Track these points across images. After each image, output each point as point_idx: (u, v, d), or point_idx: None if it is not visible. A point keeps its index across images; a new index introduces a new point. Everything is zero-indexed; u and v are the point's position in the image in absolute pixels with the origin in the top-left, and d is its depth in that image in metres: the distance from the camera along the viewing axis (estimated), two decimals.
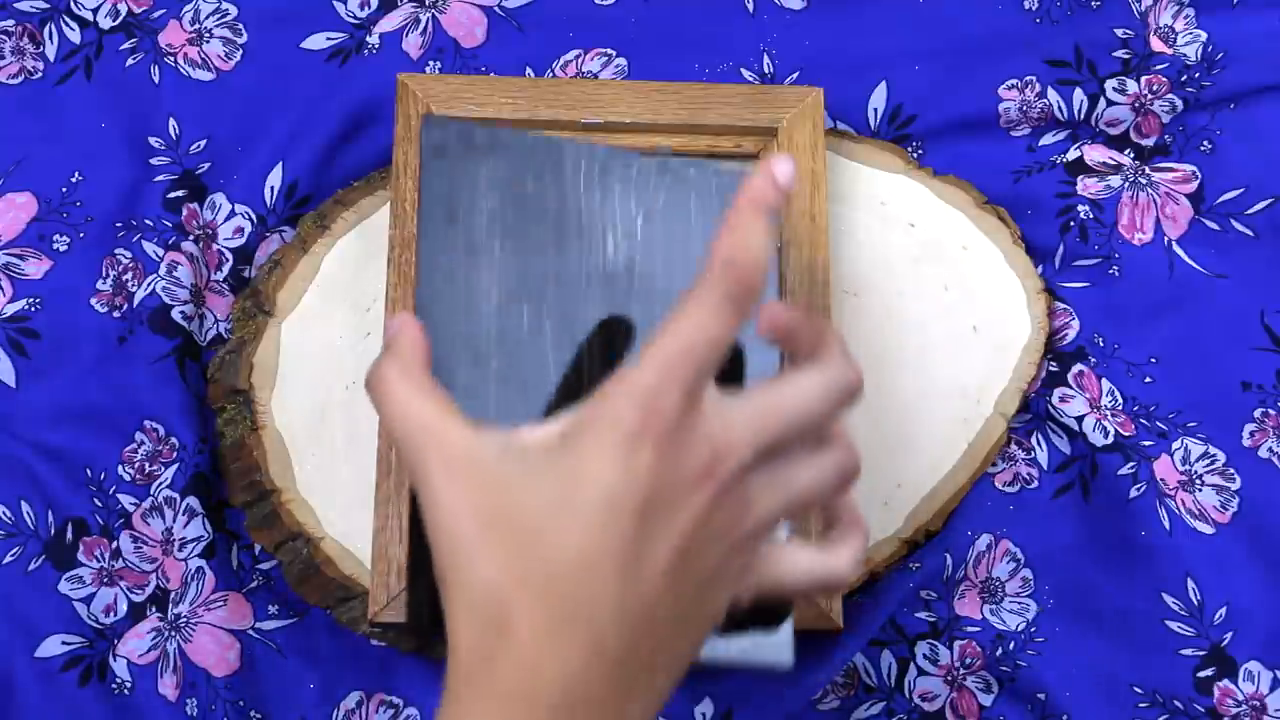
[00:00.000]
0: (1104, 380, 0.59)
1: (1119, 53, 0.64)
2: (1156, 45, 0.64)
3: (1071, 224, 0.61)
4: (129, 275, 0.59)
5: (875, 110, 0.63)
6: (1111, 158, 0.62)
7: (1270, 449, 0.58)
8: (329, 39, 0.63)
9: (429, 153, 0.51)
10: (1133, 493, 0.57)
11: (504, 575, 0.38)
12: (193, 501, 0.56)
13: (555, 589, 0.38)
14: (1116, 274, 0.61)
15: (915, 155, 0.62)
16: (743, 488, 0.40)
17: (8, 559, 0.56)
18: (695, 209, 0.53)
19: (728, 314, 0.39)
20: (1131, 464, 0.58)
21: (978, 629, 0.56)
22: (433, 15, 0.64)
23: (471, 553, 0.38)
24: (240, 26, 0.63)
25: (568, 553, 0.38)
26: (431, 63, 0.63)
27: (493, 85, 0.58)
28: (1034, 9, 0.65)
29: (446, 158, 0.51)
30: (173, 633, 0.55)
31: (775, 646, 0.48)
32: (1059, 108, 0.63)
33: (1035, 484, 0.58)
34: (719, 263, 0.40)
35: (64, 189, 0.61)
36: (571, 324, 0.50)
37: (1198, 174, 0.62)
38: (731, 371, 0.44)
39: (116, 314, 0.59)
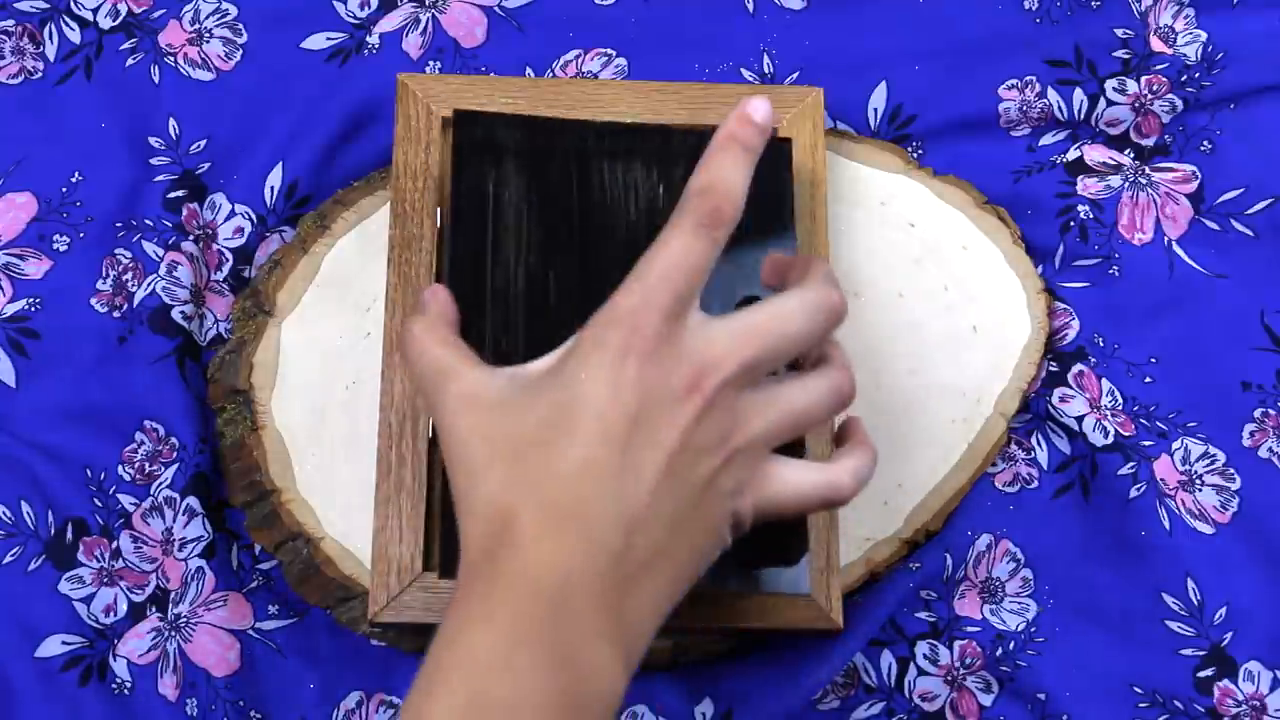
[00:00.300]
0: (1104, 380, 0.59)
1: (1119, 53, 0.64)
2: (1156, 45, 0.64)
3: (1071, 224, 0.61)
4: (129, 275, 0.59)
5: (875, 110, 0.63)
6: (1111, 158, 0.62)
7: (1270, 449, 0.58)
8: (329, 39, 0.63)
9: (463, 148, 0.54)
10: (1133, 493, 0.57)
11: (507, 485, 0.41)
12: (193, 501, 0.56)
13: (552, 494, 0.41)
14: (1116, 274, 0.61)
15: (915, 155, 0.62)
16: (730, 403, 0.42)
17: (8, 559, 0.56)
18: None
19: (701, 239, 0.43)
20: (1131, 464, 0.58)
21: (978, 629, 0.56)
22: (433, 15, 0.64)
23: (480, 471, 0.42)
24: (240, 26, 0.63)
25: (564, 462, 0.41)
26: (431, 63, 0.63)
27: (493, 85, 0.58)
28: (1034, 9, 0.65)
29: (478, 151, 0.54)
30: (173, 633, 0.55)
31: (792, 577, 0.50)
32: (1059, 108, 0.63)
33: (1035, 484, 0.58)
34: (693, 193, 0.44)
35: (64, 189, 0.61)
36: (594, 291, 0.52)
37: (1198, 174, 0.62)
38: None
39: (116, 314, 0.59)
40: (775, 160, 0.56)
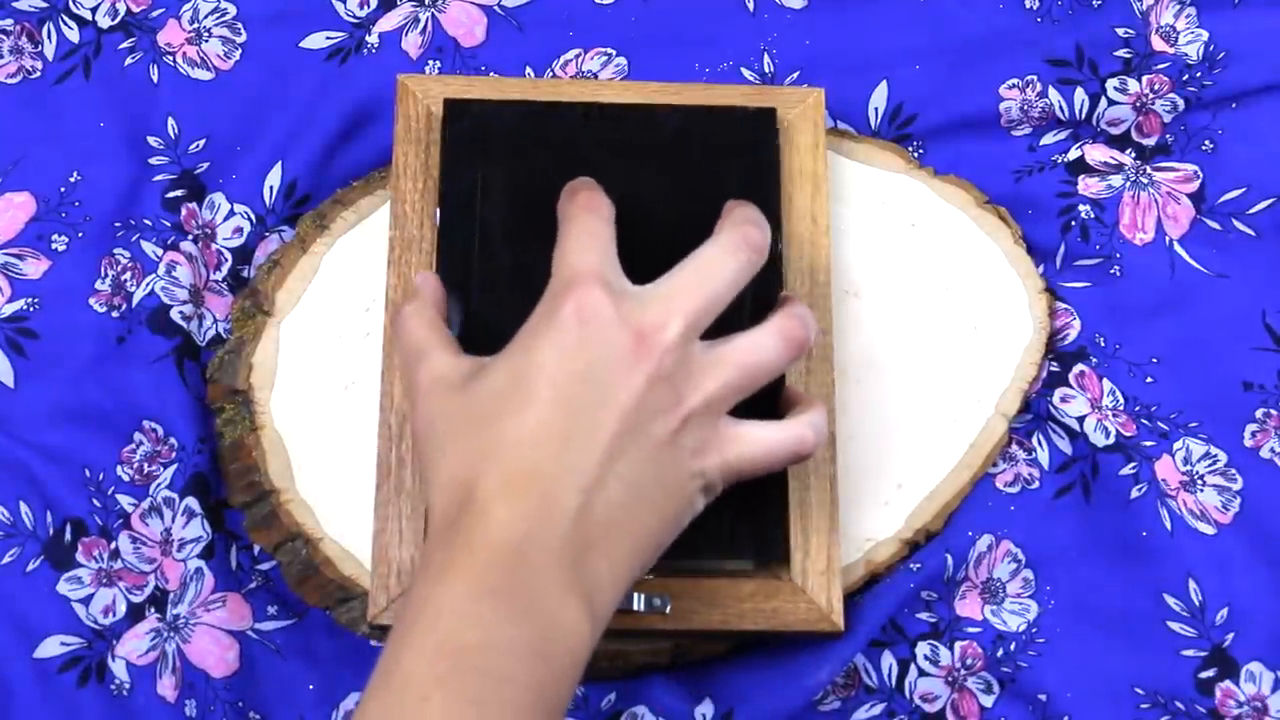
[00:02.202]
0: (1105, 380, 0.59)
1: (1120, 52, 0.64)
2: (1158, 44, 0.64)
3: (1072, 224, 0.61)
4: (128, 275, 0.59)
5: (876, 110, 0.63)
6: (1113, 157, 0.62)
7: (1272, 449, 0.58)
8: (328, 38, 0.63)
9: (453, 138, 0.55)
10: (1134, 493, 0.57)
11: (467, 456, 0.43)
12: (191, 502, 0.56)
13: (509, 459, 0.42)
14: (1118, 274, 0.60)
15: (916, 155, 0.62)
16: (680, 361, 0.44)
17: (6, 559, 0.55)
18: (699, 151, 0.55)
19: (604, 222, 0.47)
20: (1133, 464, 0.58)
21: (979, 630, 0.56)
22: (432, 15, 0.64)
23: (443, 446, 0.44)
24: (239, 26, 0.63)
25: (519, 428, 0.43)
26: (431, 62, 0.63)
27: (493, 86, 0.58)
28: (1035, 8, 0.65)
29: (467, 139, 0.55)
30: (171, 633, 0.55)
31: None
32: (1060, 107, 0.63)
33: (1036, 484, 0.58)
34: (564, 194, 0.48)
35: (62, 189, 0.60)
36: None
37: (1199, 173, 0.62)
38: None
39: (115, 314, 0.59)
40: (760, 136, 0.56)
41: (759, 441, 0.46)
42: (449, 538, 0.42)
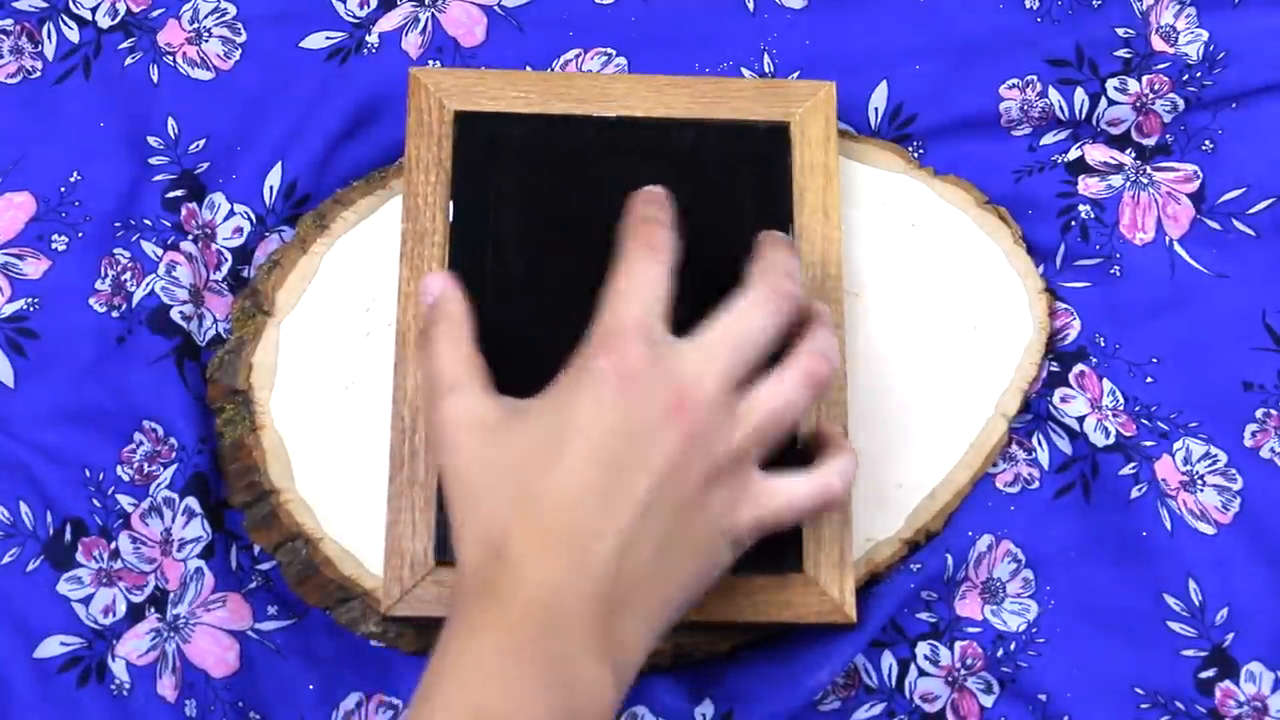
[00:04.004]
0: (1105, 380, 0.59)
1: (1120, 52, 0.64)
2: (1158, 44, 0.64)
3: (1072, 224, 0.61)
4: (128, 275, 0.59)
5: (876, 110, 0.63)
6: (1113, 157, 0.62)
7: (1272, 449, 0.58)
8: (328, 38, 0.63)
9: (464, 151, 0.56)
10: (1134, 493, 0.57)
11: (501, 510, 0.43)
12: (192, 502, 0.56)
13: (544, 516, 0.42)
14: (1118, 274, 0.60)
15: (916, 155, 0.62)
16: (714, 418, 0.44)
17: (6, 559, 0.55)
18: (708, 168, 0.56)
19: (657, 265, 0.46)
20: (1133, 464, 0.58)
21: (979, 630, 0.56)
22: (432, 14, 0.64)
23: (478, 494, 0.44)
24: (239, 26, 0.63)
25: (554, 485, 0.42)
26: (431, 62, 0.63)
27: (504, 79, 0.58)
28: (1035, 8, 0.65)
29: (480, 151, 0.56)
30: (171, 633, 0.55)
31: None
32: (1060, 107, 0.63)
33: (1036, 484, 0.58)
34: (632, 217, 0.48)
35: (62, 189, 0.60)
36: (593, 287, 0.54)
37: (1199, 173, 0.62)
38: None
39: (115, 314, 0.59)
40: (773, 151, 0.57)
41: (787, 495, 0.46)
42: (481, 591, 0.42)
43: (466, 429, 0.45)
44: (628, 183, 0.55)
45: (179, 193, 0.60)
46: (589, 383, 0.43)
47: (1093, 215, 0.61)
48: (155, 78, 0.62)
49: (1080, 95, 0.63)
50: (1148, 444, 0.58)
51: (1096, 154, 0.62)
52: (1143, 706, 0.55)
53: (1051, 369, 0.59)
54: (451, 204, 0.56)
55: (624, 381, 0.43)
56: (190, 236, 0.60)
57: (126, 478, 0.57)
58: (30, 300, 0.59)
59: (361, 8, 0.64)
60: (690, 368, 0.44)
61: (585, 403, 0.43)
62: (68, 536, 0.56)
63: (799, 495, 0.46)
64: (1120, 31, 0.64)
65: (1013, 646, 0.56)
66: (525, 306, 0.54)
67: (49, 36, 0.63)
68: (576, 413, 0.43)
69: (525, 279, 0.55)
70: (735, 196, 0.56)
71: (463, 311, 0.49)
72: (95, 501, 0.56)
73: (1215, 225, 0.61)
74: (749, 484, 0.45)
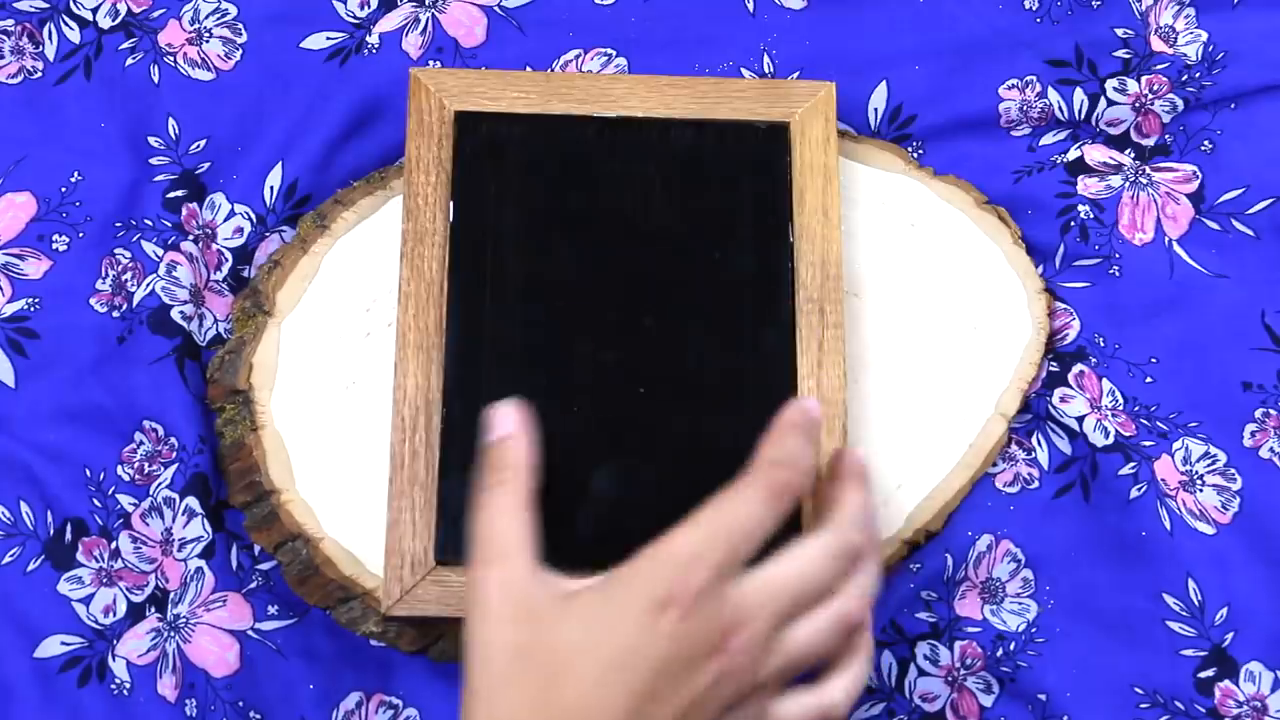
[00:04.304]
0: (1104, 380, 0.59)
1: (1119, 52, 0.64)
2: (1157, 45, 0.64)
3: (1072, 224, 0.61)
4: (128, 275, 0.59)
5: (875, 110, 0.63)
6: (1112, 157, 0.62)
7: (1271, 449, 0.58)
8: (329, 39, 0.63)
9: (465, 150, 0.56)
10: (1133, 493, 0.57)
11: (523, 705, 0.42)
12: (192, 502, 0.56)
13: None
14: (1117, 274, 0.61)
15: (915, 155, 0.62)
16: (752, 656, 0.43)
17: (7, 559, 0.56)
18: (708, 168, 0.56)
19: (768, 508, 0.44)
20: (1132, 464, 0.58)
21: (978, 629, 0.56)
22: (433, 15, 0.64)
23: (501, 680, 0.43)
24: (240, 26, 0.63)
25: (578, 699, 0.42)
26: (431, 62, 0.63)
27: (505, 79, 0.58)
28: (1034, 9, 0.65)
29: (481, 154, 0.56)
30: (172, 633, 0.55)
31: None
32: (1059, 107, 0.63)
33: (1036, 484, 0.58)
34: (765, 462, 0.45)
35: (63, 189, 0.61)
36: (594, 286, 0.55)
37: (1198, 174, 0.62)
38: None
39: (116, 314, 0.59)
40: (773, 151, 0.57)
41: (792, 715, 0.46)
42: None
43: (509, 607, 0.44)
44: (628, 182, 0.56)
45: (180, 193, 0.60)
46: (645, 603, 0.42)
47: (1092, 215, 0.61)
48: (156, 78, 0.62)
49: (1079, 96, 0.63)
50: (1147, 444, 0.58)
51: (1096, 154, 0.62)
52: (1142, 706, 0.55)
53: (1051, 369, 0.59)
54: (452, 204, 0.56)
55: (681, 617, 0.42)
56: (191, 236, 0.60)
57: (127, 477, 0.57)
58: (31, 300, 0.59)
59: (362, 8, 0.64)
60: (747, 608, 0.43)
61: (634, 625, 0.42)
62: (68, 536, 0.56)
63: (802, 714, 0.46)
64: (1119, 32, 0.64)
65: (1012, 646, 0.56)
66: (526, 306, 0.54)
67: (50, 37, 0.63)
68: (622, 633, 0.42)
69: (526, 278, 0.55)
70: (735, 196, 0.56)
71: (527, 464, 0.48)
72: (96, 501, 0.56)
73: (1214, 225, 0.62)
74: (762, 712, 0.45)
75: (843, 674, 0.48)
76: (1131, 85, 0.63)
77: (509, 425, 0.49)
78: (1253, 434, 0.59)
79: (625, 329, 0.54)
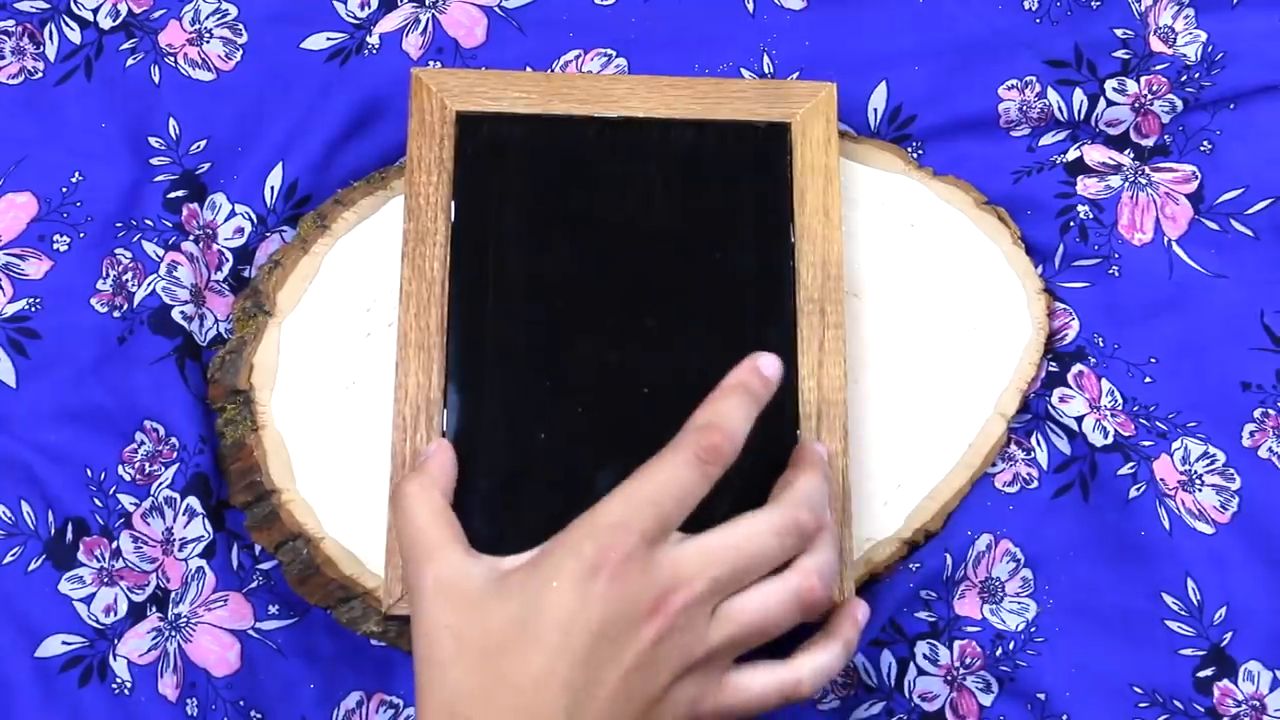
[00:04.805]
0: (1104, 380, 0.59)
1: (1119, 53, 0.64)
2: (1156, 45, 0.64)
3: (1071, 224, 0.61)
4: (129, 275, 0.59)
5: (875, 110, 0.63)
6: (1111, 158, 0.62)
7: (1270, 449, 0.58)
8: (329, 39, 0.63)
9: (466, 151, 0.56)
10: (1132, 493, 0.57)
11: (464, 689, 0.43)
12: (193, 502, 0.56)
13: (509, 703, 0.42)
14: (1116, 274, 0.61)
15: (915, 155, 0.62)
16: (692, 620, 0.44)
17: (8, 559, 0.56)
18: (709, 168, 0.57)
19: (695, 471, 0.45)
20: (1131, 464, 0.58)
21: (977, 629, 0.56)
22: (433, 15, 0.64)
23: (445, 664, 0.44)
24: (240, 26, 0.63)
25: (522, 671, 0.42)
26: (432, 63, 0.63)
27: (506, 79, 0.58)
28: (1034, 9, 0.65)
29: (482, 154, 0.56)
30: (173, 633, 0.55)
31: None
32: (1059, 108, 0.63)
33: (1035, 484, 0.58)
34: (695, 426, 0.46)
35: (64, 189, 0.61)
36: (593, 284, 0.55)
37: (1198, 174, 0.62)
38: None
39: (116, 314, 0.59)
40: (774, 151, 0.57)
41: (754, 692, 0.46)
42: None
43: (441, 592, 0.45)
44: (629, 182, 0.56)
45: (180, 193, 0.60)
46: (575, 571, 0.43)
47: (1091, 216, 0.61)
48: (156, 78, 0.62)
49: (1079, 96, 0.63)
50: (1146, 444, 0.58)
51: (1095, 154, 0.62)
52: (1141, 705, 0.55)
53: (1050, 369, 0.59)
54: (453, 204, 0.56)
55: (611, 581, 0.43)
56: (191, 237, 0.60)
57: (128, 477, 0.57)
58: (32, 300, 0.59)
59: (362, 9, 0.64)
60: (683, 570, 0.44)
61: (566, 593, 0.43)
62: (69, 536, 0.56)
63: (768, 692, 0.46)
64: (1119, 32, 0.64)
65: (1011, 646, 0.56)
66: (526, 306, 0.54)
67: (50, 37, 0.63)
68: (555, 603, 0.43)
69: (527, 278, 0.55)
70: (736, 197, 0.56)
71: (441, 466, 0.50)
72: (97, 501, 0.56)
73: (1214, 226, 0.62)
74: (718, 680, 0.45)
75: (813, 654, 0.48)
76: (1131, 86, 0.63)
77: (430, 449, 0.51)
78: (1251, 434, 0.59)
79: (626, 329, 0.54)
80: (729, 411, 0.46)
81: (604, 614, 0.43)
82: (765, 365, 0.48)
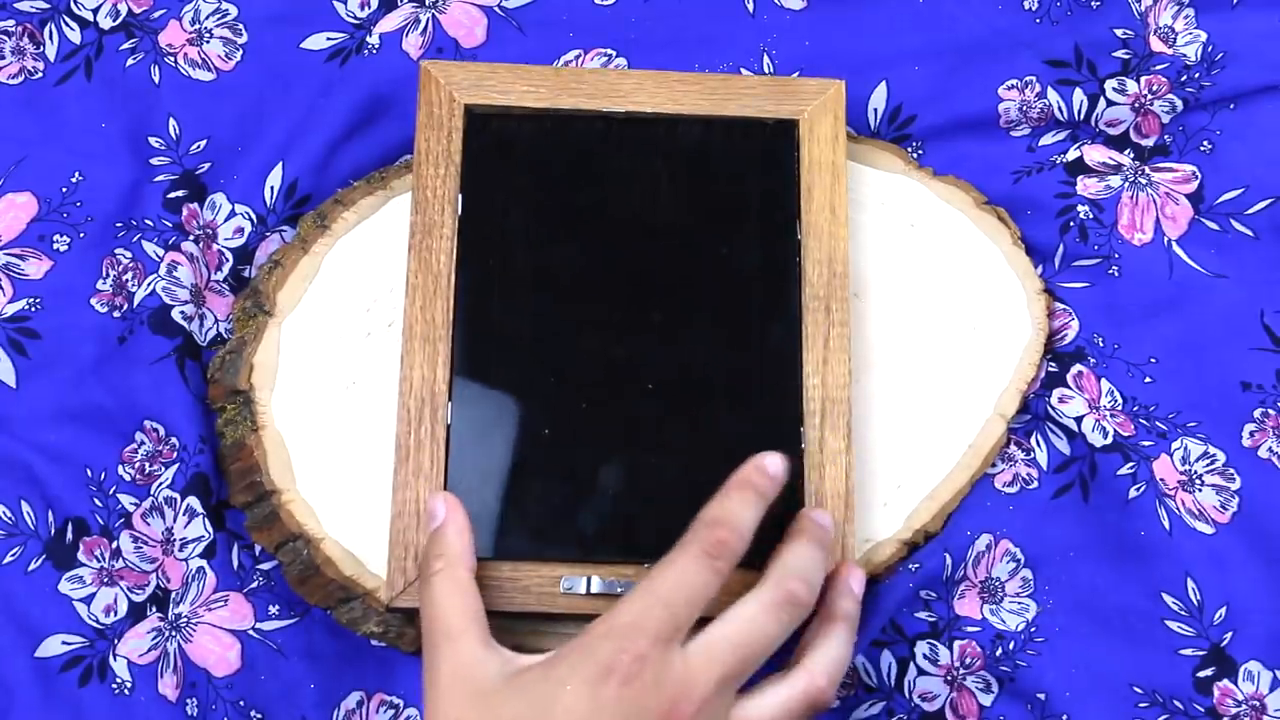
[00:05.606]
0: (1103, 380, 0.59)
1: (1119, 53, 0.64)
2: (1156, 45, 0.64)
3: (1071, 224, 0.61)
4: (129, 275, 0.59)
5: (875, 110, 0.63)
6: (1111, 158, 0.62)
7: (1270, 449, 0.58)
8: (329, 39, 0.63)
9: (474, 144, 0.56)
10: (1132, 493, 0.57)
11: None
12: (193, 502, 0.56)
13: None
14: (1116, 274, 0.61)
15: (915, 155, 0.62)
16: (700, 714, 0.44)
17: (8, 559, 0.56)
18: (716, 164, 0.57)
19: (704, 568, 0.45)
20: (1131, 464, 0.58)
21: (977, 629, 0.56)
22: (433, 15, 0.64)
23: None
24: (240, 26, 0.63)
25: None
26: None
27: (515, 74, 0.58)
28: (1034, 9, 0.65)
29: (490, 147, 0.56)
30: (173, 633, 0.55)
31: None
32: (1059, 108, 0.63)
33: (1035, 484, 0.58)
34: (703, 523, 0.46)
35: (64, 189, 0.61)
36: (600, 279, 0.55)
37: (1197, 174, 0.62)
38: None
39: (116, 314, 0.59)
40: (781, 148, 0.57)
41: (764, 714, 0.46)
42: None
43: (456, 684, 0.45)
44: (636, 177, 0.56)
45: (180, 193, 0.60)
46: (590, 674, 0.43)
47: (1091, 216, 0.61)
48: (156, 78, 0.62)
49: (1079, 96, 0.63)
50: (1146, 444, 0.58)
51: (1095, 154, 0.62)
52: (1141, 705, 0.55)
53: (1050, 369, 0.59)
54: (460, 197, 0.56)
55: (623, 684, 0.43)
56: (191, 237, 0.60)
57: (128, 477, 0.57)
58: (32, 300, 0.59)
59: (362, 9, 0.64)
60: (691, 674, 0.44)
61: (579, 691, 0.43)
62: (69, 536, 0.56)
63: (791, 707, 0.47)
64: (1119, 32, 0.64)
65: (1011, 646, 0.56)
66: (533, 300, 0.54)
67: (50, 37, 0.63)
68: (566, 696, 0.43)
69: (533, 272, 0.55)
70: (743, 193, 0.56)
71: (465, 546, 0.49)
72: (97, 501, 0.56)
73: (1213, 226, 0.62)
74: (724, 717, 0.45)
75: (821, 648, 0.48)
76: (1131, 86, 0.63)
77: (440, 514, 0.50)
78: (1251, 434, 0.59)
79: (632, 323, 0.54)
80: (736, 509, 0.47)
81: (615, 716, 0.43)
82: (770, 464, 0.48)
